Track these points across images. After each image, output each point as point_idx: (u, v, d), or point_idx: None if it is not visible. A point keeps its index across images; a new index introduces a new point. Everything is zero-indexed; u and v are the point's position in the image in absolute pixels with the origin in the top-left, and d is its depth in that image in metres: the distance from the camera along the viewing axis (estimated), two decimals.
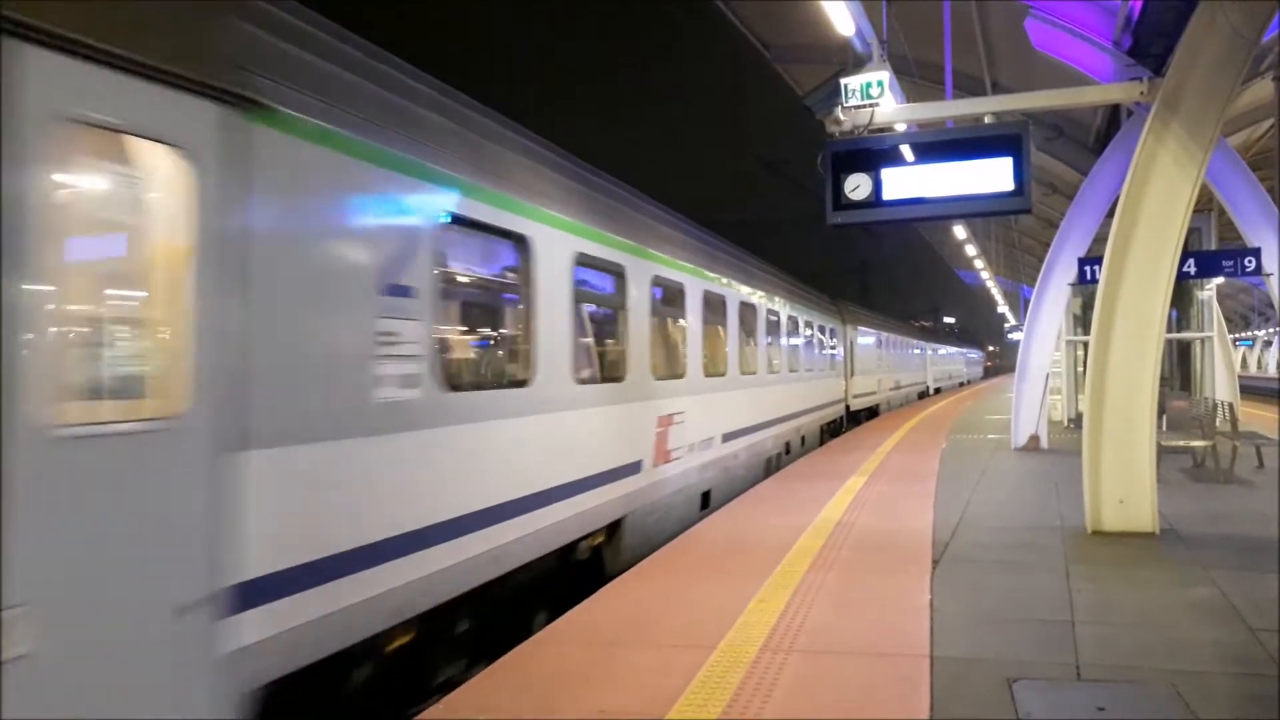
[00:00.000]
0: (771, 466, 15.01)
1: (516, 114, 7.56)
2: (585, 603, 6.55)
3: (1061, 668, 5.03)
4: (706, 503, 11.16)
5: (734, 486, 12.45)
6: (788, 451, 16.51)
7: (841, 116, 9.08)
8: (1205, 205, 16.08)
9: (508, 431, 6.29)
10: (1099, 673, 4.94)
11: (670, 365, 10.14)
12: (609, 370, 8.60)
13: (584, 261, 7.73)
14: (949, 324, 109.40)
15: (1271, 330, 66.58)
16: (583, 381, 7.65)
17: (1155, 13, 8.44)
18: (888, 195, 8.54)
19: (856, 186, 8.53)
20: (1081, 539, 8.52)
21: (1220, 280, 19.22)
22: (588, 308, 8.10)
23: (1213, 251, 16.83)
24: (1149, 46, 8.92)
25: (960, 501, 10.66)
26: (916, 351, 43.12)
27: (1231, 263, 14.13)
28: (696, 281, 10.98)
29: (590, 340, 8.26)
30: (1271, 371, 63.77)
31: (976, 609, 6.22)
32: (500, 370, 6.89)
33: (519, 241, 6.66)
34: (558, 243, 7.22)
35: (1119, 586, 6.78)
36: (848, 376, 24.11)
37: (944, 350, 59.53)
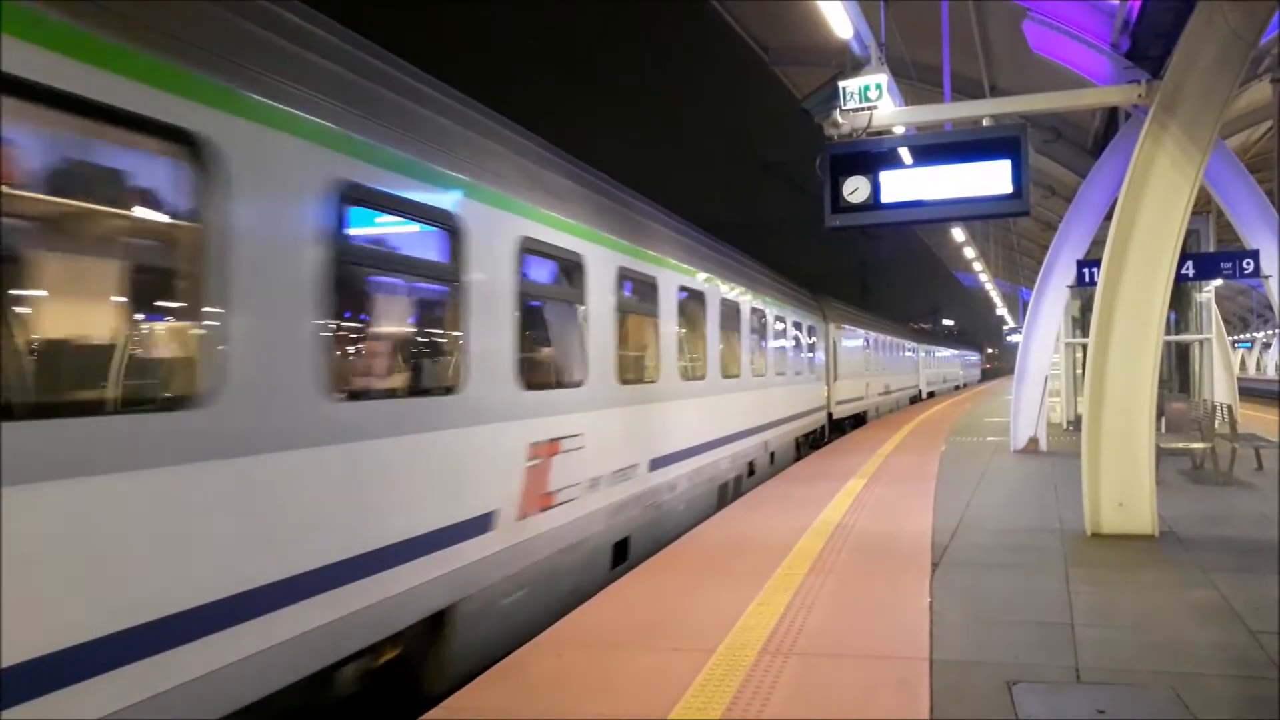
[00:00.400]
0: (728, 494, 12.42)
1: (518, 115, 7.53)
2: (584, 605, 6.54)
3: (1061, 670, 5.03)
4: (622, 556, 8.46)
5: (670, 526, 9.75)
6: (751, 473, 14.02)
7: (840, 119, 9.09)
8: (1204, 207, 16.10)
9: (132, 497, 3.49)
10: (1099, 675, 4.94)
11: (557, 369, 7.61)
12: (429, 378, 5.97)
13: (359, 199, 4.93)
14: (945, 325, 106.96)
15: (1270, 332, 66.62)
16: (358, 397, 5.01)
17: (1153, 14, 8.46)
18: (886, 198, 8.54)
19: (855, 189, 8.54)
20: (1081, 541, 8.51)
21: (1219, 282, 19.24)
22: (374, 279, 5.50)
23: (1211, 253, 16.84)
24: (1147, 49, 8.94)
25: (959, 504, 10.66)
26: (908, 353, 39.94)
27: (1230, 265, 14.14)
28: (606, 255, 8.20)
29: (389, 332, 5.86)
30: (1270, 374, 63.80)
31: (976, 612, 6.21)
32: (137, 379, 3.94)
33: (179, 144, 3.83)
34: (286, 160, 4.39)
35: (1118, 589, 6.78)
36: (830, 380, 22.28)
37: (939, 352, 54.45)
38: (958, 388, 61.30)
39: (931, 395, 46.23)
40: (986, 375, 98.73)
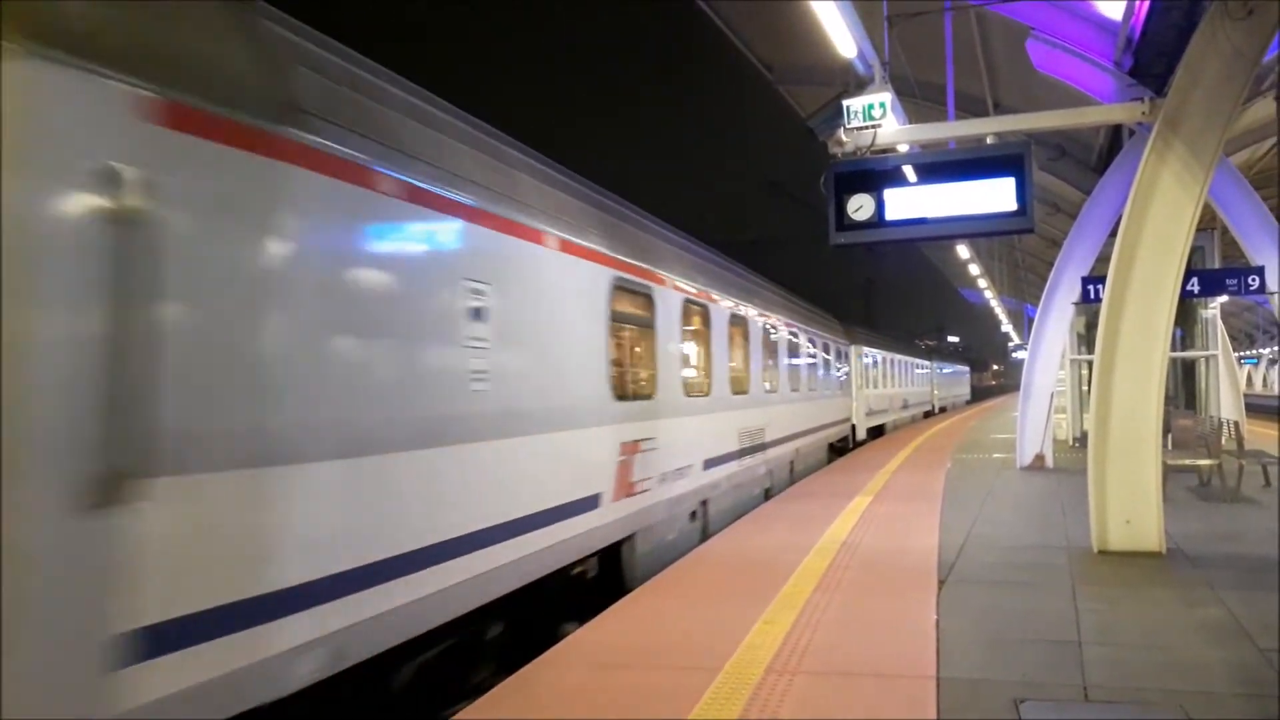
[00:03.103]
0: None
1: (530, 136, 7.56)
2: (590, 624, 6.53)
3: (1069, 689, 5.00)
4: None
5: None
6: None
7: (844, 138, 9.13)
8: (1208, 224, 16.10)
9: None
10: (1107, 694, 4.91)
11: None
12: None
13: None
14: (907, 327, 78.59)
15: (1276, 348, 66.49)
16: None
17: (1156, 33, 8.49)
18: (891, 216, 8.56)
19: (859, 207, 8.56)
20: (1088, 559, 8.48)
21: (1224, 298, 19.23)
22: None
23: (1216, 270, 16.85)
24: (1150, 67, 8.97)
25: (966, 521, 10.62)
26: (834, 367, 21.78)
27: (1235, 281, 14.14)
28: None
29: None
30: (1276, 389, 63.61)
31: (983, 630, 6.18)
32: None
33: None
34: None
35: (1126, 607, 6.75)
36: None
37: (892, 359, 31.22)
38: (929, 413, 42.43)
39: (878, 431, 28.02)
40: (987, 393, 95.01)
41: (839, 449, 22.16)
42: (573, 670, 5.47)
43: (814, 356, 18.93)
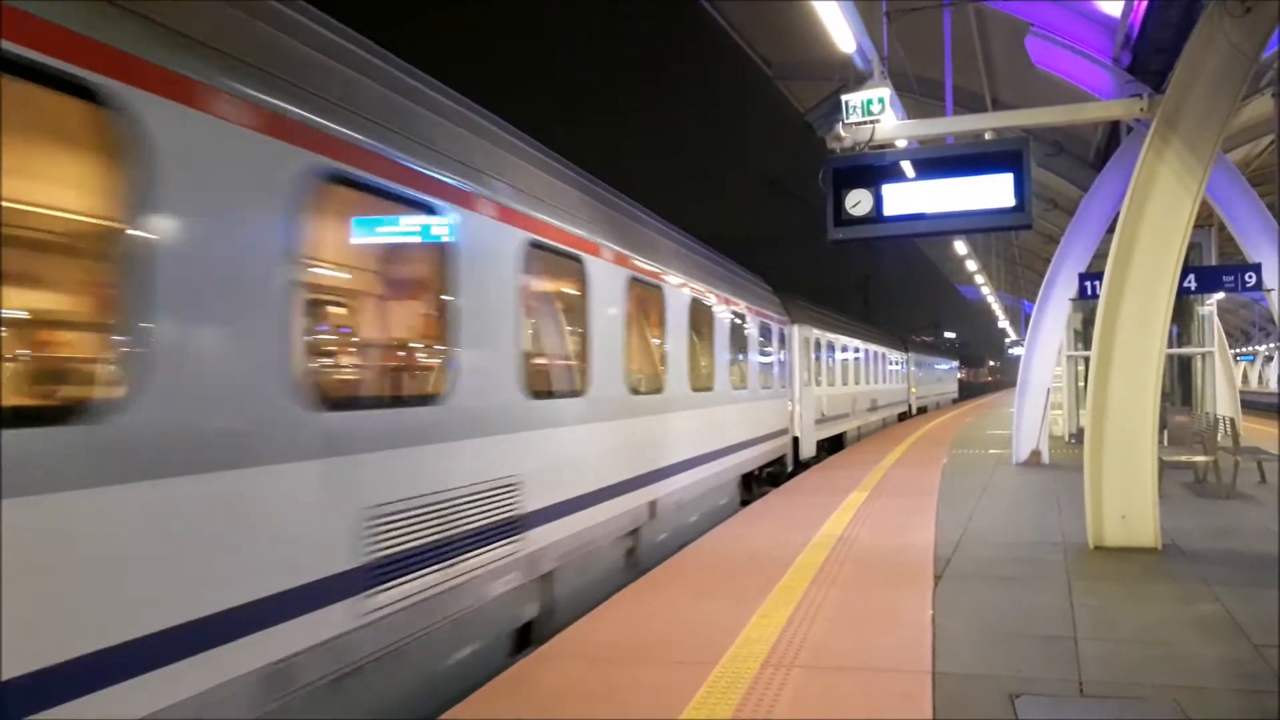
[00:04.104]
0: None
1: (531, 133, 7.55)
2: (587, 618, 6.54)
3: (1064, 684, 5.01)
4: None
5: None
6: None
7: (843, 133, 9.13)
8: (1205, 221, 16.14)
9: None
10: (1102, 689, 4.93)
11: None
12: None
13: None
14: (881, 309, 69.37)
15: (1272, 345, 66.58)
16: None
17: (1154, 30, 8.50)
18: (889, 211, 8.56)
19: (857, 202, 8.56)
20: (1084, 554, 8.50)
21: (1221, 295, 19.26)
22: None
23: (1213, 267, 16.89)
24: (1148, 63, 8.98)
25: (962, 517, 10.64)
26: (762, 353, 15.00)
27: (1232, 278, 14.17)
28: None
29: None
30: (1273, 386, 63.73)
31: (979, 625, 6.20)
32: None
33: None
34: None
35: (1122, 602, 6.77)
36: None
37: (855, 348, 24.63)
38: (903, 416, 35.40)
39: (838, 444, 21.92)
40: (983, 389, 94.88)
41: (772, 475, 15.82)
42: (569, 664, 5.48)
43: (711, 334, 11.99)
